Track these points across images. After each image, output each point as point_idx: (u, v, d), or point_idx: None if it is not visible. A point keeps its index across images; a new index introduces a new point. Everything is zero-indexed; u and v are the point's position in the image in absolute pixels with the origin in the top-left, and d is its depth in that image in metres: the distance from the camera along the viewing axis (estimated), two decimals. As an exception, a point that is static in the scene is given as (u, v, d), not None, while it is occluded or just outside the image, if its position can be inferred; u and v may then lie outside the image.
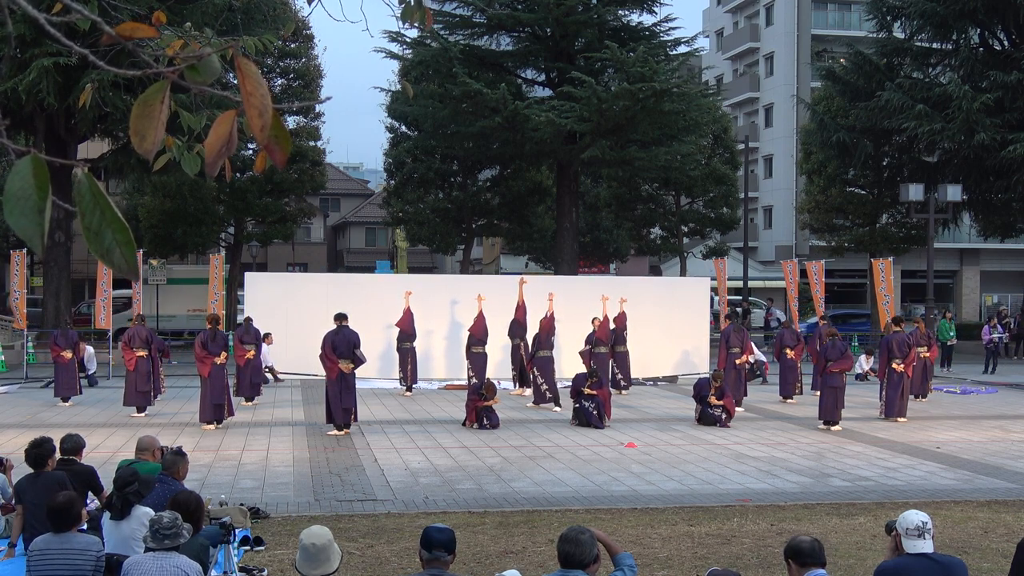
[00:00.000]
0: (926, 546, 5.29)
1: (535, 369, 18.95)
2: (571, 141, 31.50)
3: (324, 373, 15.58)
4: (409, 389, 20.80)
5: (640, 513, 10.09)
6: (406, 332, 20.92)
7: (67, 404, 18.31)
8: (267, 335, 22.42)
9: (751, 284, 45.45)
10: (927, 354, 20.57)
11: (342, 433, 15.09)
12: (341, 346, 15.32)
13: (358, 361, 15.49)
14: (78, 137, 30.10)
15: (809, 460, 13.42)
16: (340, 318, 15.59)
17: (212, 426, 15.56)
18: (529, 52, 33.13)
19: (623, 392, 20.87)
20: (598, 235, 46.94)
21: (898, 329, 17.96)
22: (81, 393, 19.08)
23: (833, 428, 16.15)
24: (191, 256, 48.13)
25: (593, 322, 20.52)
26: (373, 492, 11.03)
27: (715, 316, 21.27)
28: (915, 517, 5.33)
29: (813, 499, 10.92)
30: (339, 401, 15.20)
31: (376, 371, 21.83)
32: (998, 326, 28.84)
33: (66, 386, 18.50)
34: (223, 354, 15.89)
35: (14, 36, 21.20)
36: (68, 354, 18.49)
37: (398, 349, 21.09)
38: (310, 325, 20.65)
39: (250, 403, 18.73)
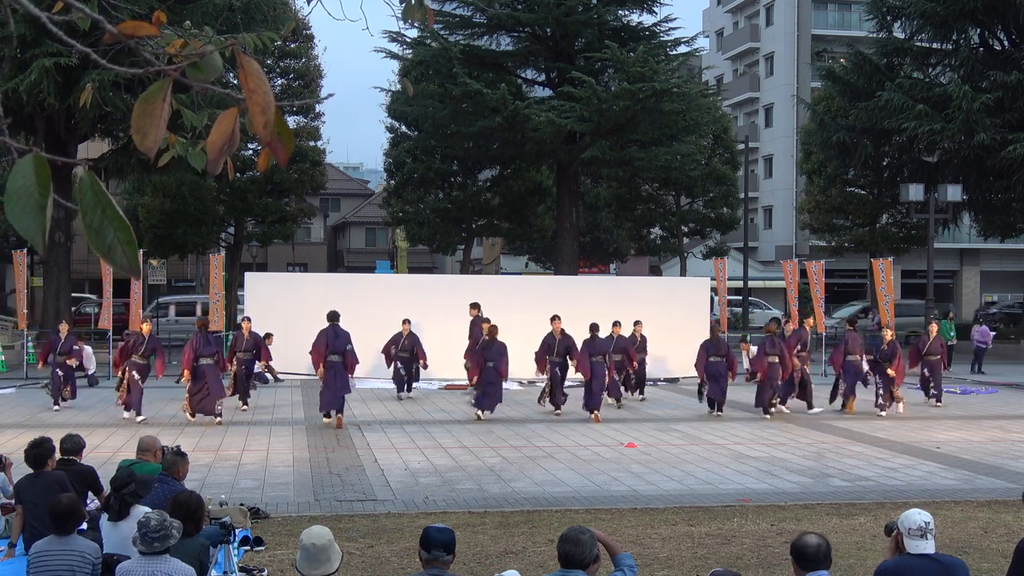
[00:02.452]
0: (928, 547, 5.24)
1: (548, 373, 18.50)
2: (571, 141, 31.49)
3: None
4: (409, 389, 20.67)
5: (640, 513, 10.09)
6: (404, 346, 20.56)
7: (56, 408, 17.66)
8: (268, 335, 22.40)
9: (751, 284, 45.46)
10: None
11: (332, 421, 15.84)
12: (334, 345, 16.26)
13: (351, 359, 16.31)
14: (78, 137, 30.08)
15: (809, 460, 13.42)
16: (333, 317, 16.52)
17: (192, 417, 16.10)
18: (529, 52, 33.13)
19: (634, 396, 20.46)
20: (598, 235, 46.97)
21: (851, 328, 19.36)
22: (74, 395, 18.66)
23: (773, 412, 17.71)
24: (191, 256, 48.16)
25: (614, 328, 19.29)
26: (373, 492, 11.03)
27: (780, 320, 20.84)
28: (918, 517, 5.27)
29: (813, 499, 10.92)
30: (328, 390, 16.13)
31: (375, 371, 21.80)
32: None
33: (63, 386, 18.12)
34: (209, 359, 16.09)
35: (15, 36, 21.19)
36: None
37: (398, 356, 20.41)
38: (310, 325, 20.57)
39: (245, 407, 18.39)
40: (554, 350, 17.96)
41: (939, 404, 19.62)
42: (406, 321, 20.52)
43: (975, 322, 28.93)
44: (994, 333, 30.53)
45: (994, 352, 33.06)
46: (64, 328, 18.77)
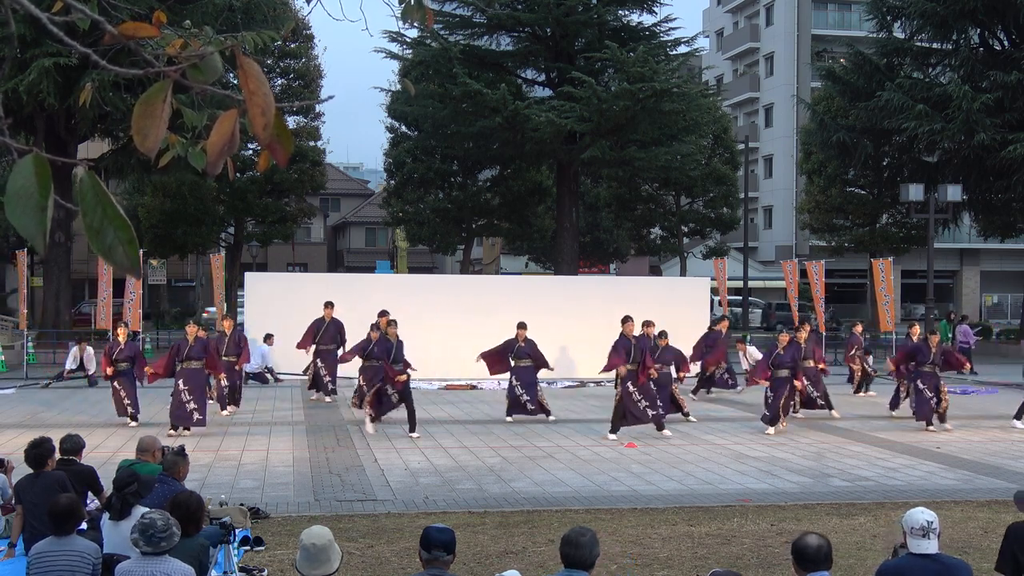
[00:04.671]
0: (930, 546, 5.21)
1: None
2: (571, 141, 31.50)
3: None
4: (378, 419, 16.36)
5: (640, 513, 10.09)
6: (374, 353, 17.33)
7: (135, 424, 15.71)
8: (269, 336, 22.43)
9: (751, 284, 45.47)
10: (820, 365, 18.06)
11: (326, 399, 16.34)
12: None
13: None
14: (78, 137, 30.11)
15: (809, 460, 13.42)
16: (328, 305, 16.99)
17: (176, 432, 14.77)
18: (529, 52, 33.15)
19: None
20: (598, 235, 46.98)
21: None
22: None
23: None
24: (191, 256, 48.15)
25: (661, 340, 17.18)
26: (373, 492, 11.03)
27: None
28: (920, 516, 5.22)
29: (813, 499, 10.91)
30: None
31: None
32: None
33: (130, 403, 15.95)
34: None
35: (15, 36, 21.18)
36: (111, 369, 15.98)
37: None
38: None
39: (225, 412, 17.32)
40: (631, 355, 15.00)
41: (827, 414, 17.31)
42: (375, 328, 16.49)
43: (959, 322, 28.89)
44: (976, 330, 30.59)
45: (994, 352, 33.08)
46: (123, 333, 16.18)
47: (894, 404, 18.09)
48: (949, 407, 16.60)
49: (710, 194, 43.28)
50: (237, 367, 17.62)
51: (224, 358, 16.90)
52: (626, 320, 15.33)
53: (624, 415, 14.90)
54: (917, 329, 18.48)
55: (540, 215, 42.16)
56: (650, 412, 14.95)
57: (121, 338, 16.05)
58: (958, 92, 30.81)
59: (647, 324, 15.97)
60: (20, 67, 24.64)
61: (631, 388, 14.86)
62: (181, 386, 14.68)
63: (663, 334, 17.21)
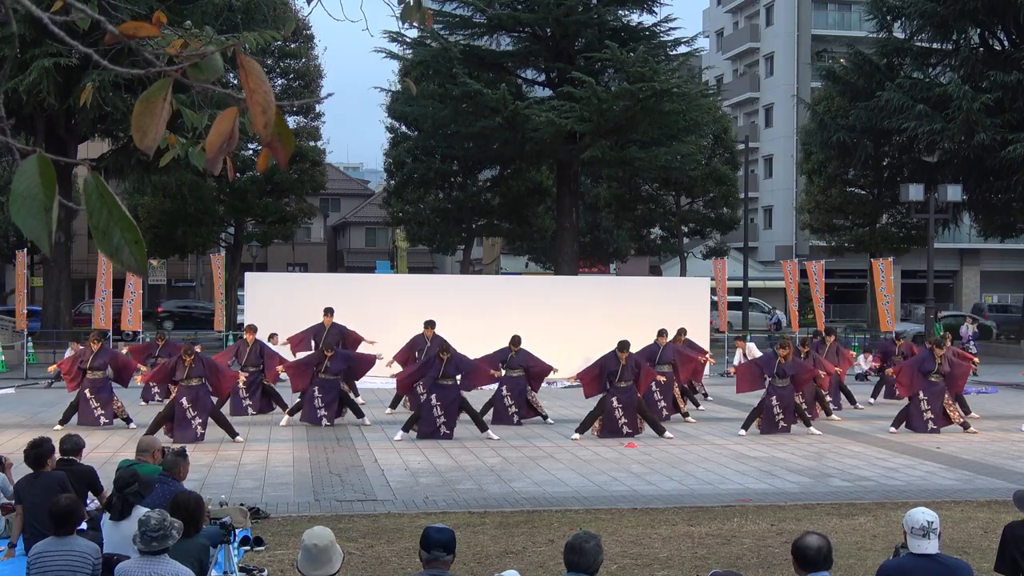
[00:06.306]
0: (930, 547, 5.20)
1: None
2: (571, 141, 31.49)
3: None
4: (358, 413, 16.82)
5: (640, 513, 10.09)
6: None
7: (133, 426, 15.40)
8: (273, 335, 22.41)
9: (751, 284, 45.46)
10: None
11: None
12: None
13: None
14: (78, 137, 30.07)
15: (809, 460, 13.43)
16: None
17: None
18: (529, 52, 33.15)
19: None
20: (598, 235, 46.95)
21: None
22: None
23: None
24: (191, 256, 48.14)
25: (660, 337, 17.34)
26: (373, 492, 11.04)
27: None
28: (921, 516, 5.21)
29: (813, 499, 10.92)
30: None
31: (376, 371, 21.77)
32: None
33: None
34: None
35: (16, 36, 21.19)
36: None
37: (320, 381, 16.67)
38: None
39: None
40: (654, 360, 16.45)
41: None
42: (327, 348, 16.64)
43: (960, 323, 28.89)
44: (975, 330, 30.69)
45: (994, 352, 33.09)
46: (96, 345, 15.54)
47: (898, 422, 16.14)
48: (959, 415, 15.99)
49: (710, 194, 43.26)
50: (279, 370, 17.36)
51: (250, 368, 17.38)
52: (661, 334, 17.22)
53: (596, 420, 15.20)
54: (833, 338, 18.72)
55: (540, 215, 42.13)
56: (626, 429, 15.01)
57: (94, 347, 15.48)
58: (958, 92, 30.81)
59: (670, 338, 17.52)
60: (20, 67, 24.61)
61: (615, 404, 15.03)
62: (186, 403, 14.14)
63: (662, 332, 17.33)
